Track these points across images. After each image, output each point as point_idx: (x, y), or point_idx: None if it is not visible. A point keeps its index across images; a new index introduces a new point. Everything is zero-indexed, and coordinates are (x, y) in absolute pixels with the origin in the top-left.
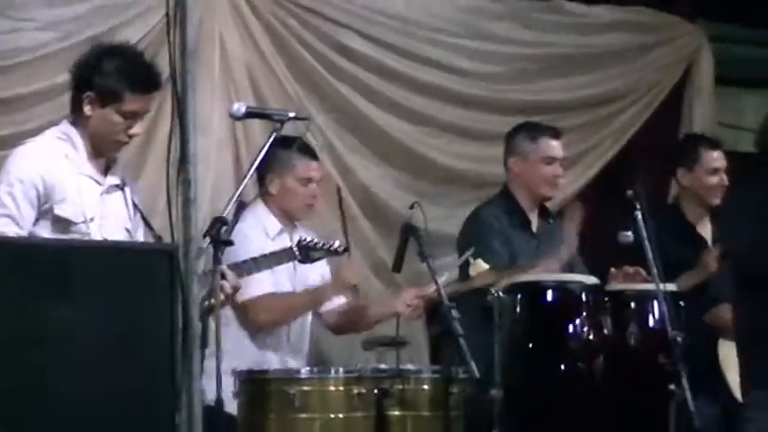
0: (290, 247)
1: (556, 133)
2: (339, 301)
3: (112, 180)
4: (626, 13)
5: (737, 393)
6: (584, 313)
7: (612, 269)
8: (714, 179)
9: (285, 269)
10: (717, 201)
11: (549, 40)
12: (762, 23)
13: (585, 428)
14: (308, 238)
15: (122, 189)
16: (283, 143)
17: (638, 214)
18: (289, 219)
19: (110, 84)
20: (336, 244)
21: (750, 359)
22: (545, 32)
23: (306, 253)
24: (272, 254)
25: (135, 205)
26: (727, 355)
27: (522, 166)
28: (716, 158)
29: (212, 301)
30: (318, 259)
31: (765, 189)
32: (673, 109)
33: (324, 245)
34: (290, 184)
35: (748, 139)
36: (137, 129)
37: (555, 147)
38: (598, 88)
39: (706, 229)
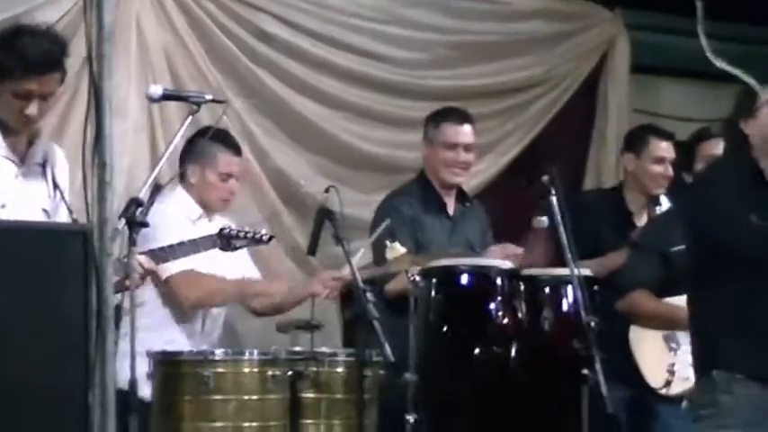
0: (211, 235)
1: (462, 118)
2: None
3: (33, 158)
4: (546, 0)
5: (650, 380)
6: (499, 298)
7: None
8: (659, 168)
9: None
10: (659, 190)
11: (468, 27)
12: (679, 11)
13: (499, 413)
14: (231, 226)
15: (44, 167)
16: (207, 134)
17: (553, 199)
18: (205, 208)
19: (5, 62)
20: (263, 232)
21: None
22: (465, 19)
23: (227, 241)
24: (191, 241)
25: (55, 184)
26: (639, 341)
27: (428, 151)
28: (664, 148)
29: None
30: (240, 248)
31: None
32: (589, 95)
33: (247, 233)
34: (210, 177)
35: (665, 126)
36: (31, 109)
37: (458, 132)
38: (517, 74)
39: (643, 220)
